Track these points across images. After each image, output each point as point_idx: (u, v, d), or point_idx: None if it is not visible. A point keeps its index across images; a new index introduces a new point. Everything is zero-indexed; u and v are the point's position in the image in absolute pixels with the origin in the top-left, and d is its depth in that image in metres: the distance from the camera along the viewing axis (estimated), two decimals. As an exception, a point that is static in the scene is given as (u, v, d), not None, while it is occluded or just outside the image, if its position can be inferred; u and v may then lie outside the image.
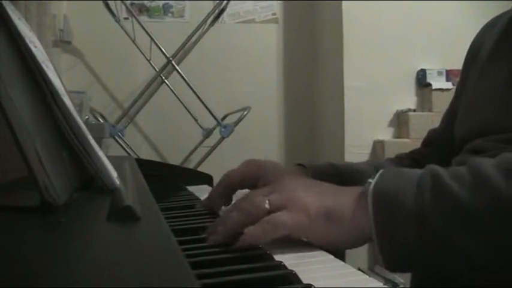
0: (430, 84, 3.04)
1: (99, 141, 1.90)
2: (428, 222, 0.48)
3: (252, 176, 0.79)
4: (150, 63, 3.02)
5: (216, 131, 2.95)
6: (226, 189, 0.79)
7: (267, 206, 0.54)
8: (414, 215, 0.48)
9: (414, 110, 3.06)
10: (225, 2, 3.05)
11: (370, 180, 0.53)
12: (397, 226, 0.49)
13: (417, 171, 0.53)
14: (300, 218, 0.52)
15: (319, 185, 0.59)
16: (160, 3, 3.39)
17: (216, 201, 0.78)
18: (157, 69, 3.01)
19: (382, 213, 0.50)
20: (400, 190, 0.50)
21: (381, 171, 0.54)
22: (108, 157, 0.60)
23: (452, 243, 0.47)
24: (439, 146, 0.93)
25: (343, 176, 0.85)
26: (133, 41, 3.00)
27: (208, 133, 3.10)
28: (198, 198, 0.89)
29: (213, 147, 2.92)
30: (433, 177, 0.50)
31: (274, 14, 3.52)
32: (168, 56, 2.92)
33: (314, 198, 0.54)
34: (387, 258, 0.50)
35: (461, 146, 0.78)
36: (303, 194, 0.55)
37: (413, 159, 0.95)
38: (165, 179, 1.08)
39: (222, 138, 2.88)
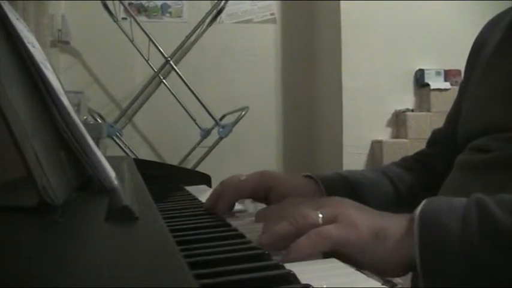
0: (428, 85, 3.04)
1: (97, 141, 1.90)
2: (474, 251, 0.47)
3: (265, 188, 0.77)
4: (148, 63, 3.02)
5: (214, 131, 2.96)
6: (234, 194, 0.76)
7: (320, 221, 0.52)
8: (460, 244, 0.48)
9: (412, 110, 3.06)
10: (223, 2, 3.05)
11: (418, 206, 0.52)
12: (443, 256, 0.48)
13: (462, 200, 0.52)
14: (348, 233, 0.51)
15: (368, 208, 0.58)
16: (159, 3, 3.39)
17: (222, 205, 0.75)
18: (155, 69, 3.01)
19: (428, 243, 0.49)
20: (446, 219, 0.49)
21: (426, 200, 0.53)
22: (106, 157, 0.60)
23: (498, 271, 0.47)
24: (443, 146, 0.92)
25: (355, 186, 0.83)
26: (132, 41, 3.00)
27: (206, 133, 3.10)
28: (196, 199, 0.89)
29: (211, 147, 2.92)
30: (478, 206, 0.50)
31: (272, 14, 3.52)
32: (166, 56, 2.92)
33: (364, 217, 0.53)
34: (431, 286, 0.49)
35: (465, 144, 0.77)
36: (354, 212, 0.54)
37: (419, 160, 0.93)
38: (163, 179, 1.08)
39: (220, 138, 2.88)
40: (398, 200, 0.86)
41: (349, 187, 0.83)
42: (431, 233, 0.49)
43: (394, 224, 0.52)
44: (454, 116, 0.89)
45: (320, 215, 0.53)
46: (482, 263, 0.47)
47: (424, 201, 0.53)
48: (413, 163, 0.93)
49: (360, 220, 0.52)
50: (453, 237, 0.48)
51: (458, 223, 0.48)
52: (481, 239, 0.47)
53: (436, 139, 0.95)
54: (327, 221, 0.52)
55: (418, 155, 0.96)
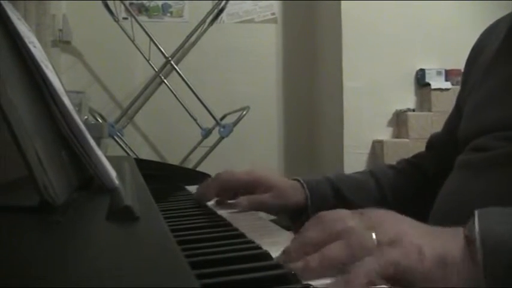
0: (429, 84, 3.04)
1: (98, 141, 1.90)
2: None
3: (252, 184, 0.82)
4: (149, 63, 3.02)
5: (215, 131, 2.96)
6: (221, 187, 0.83)
7: (375, 243, 0.46)
8: None
9: (413, 110, 3.06)
10: (224, 1, 3.05)
11: (472, 222, 0.47)
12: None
13: None
14: (413, 261, 0.44)
15: (422, 225, 0.51)
16: (160, 3, 3.39)
17: (209, 195, 0.83)
18: (156, 69, 3.01)
19: (495, 266, 0.45)
20: (509, 234, 0.45)
21: (477, 213, 0.48)
22: (107, 157, 0.60)
23: None
24: (439, 150, 0.94)
25: (340, 188, 0.87)
26: (133, 41, 3.00)
27: (207, 133, 3.10)
28: (197, 198, 0.89)
29: (212, 147, 2.92)
30: None
31: (273, 13, 3.52)
32: (167, 55, 2.92)
33: (424, 239, 0.47)
34: None
35: (465, 145, 0.78)
36: (413, 233, 0.47)
37: (412, 163, 0.95)
38: (164, 178, 1.08)
39: (221, 138, 2.88)
40: (382, 200, 0.89)
41: (332, 187, 0.87)
42: (498, 259, 0.45)
43: (453, 246, 0.47)
44: (452, 120, 0.91)
45: (374, 237, 0.46)
46: None
47: (477, 217, 0.47)
48: (406, 165, 0.95)
49: (422, 244, 0.46)
50: None
51: None
52: None
53: (433, 143, 0.97)
54: (383, 243, 0.46)
55: (414, 158, 0.98)
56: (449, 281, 0.45)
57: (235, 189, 0.83)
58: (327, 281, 0.42)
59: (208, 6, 3.16)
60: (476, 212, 0.48)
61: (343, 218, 0.49)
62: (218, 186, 0.83)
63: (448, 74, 3.06)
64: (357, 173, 0.94)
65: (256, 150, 3.42)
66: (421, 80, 3.09)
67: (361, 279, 0.42)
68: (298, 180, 0.87)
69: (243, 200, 0.79)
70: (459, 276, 0.46)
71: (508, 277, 0.44)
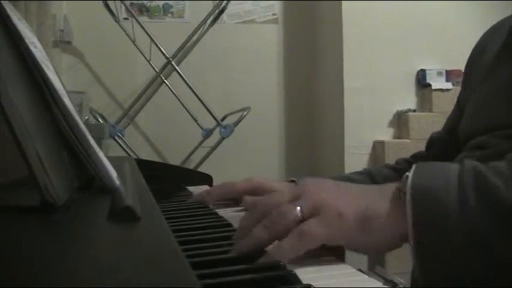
0: (430, 85, 3.04)
1: (99, 141, 1.90)
2: (474, 225, 0.45)
3: (252, 193, 0.82)
4: (150, 63, 3.02)
5: (216, 132, 2.96)
6: (223, 195, 0.84)
7: (298, 215, 0.49)
8: (458, 217, 0.45)
9: (414, 111, 3.06)
10: (225, 2, 3.04)
11: (406, 175, 0.50)
12: (439, 230, 0.46)
13: (454, 167, 0.50)
14: (333, 226, 0.48)
15: (348, 187, 0.55)
16: (160, 3, 3.39)
17: (208, 202, 0.83)
18: (157, 70, 3.01)
19: (422, 215, 0.47)
20: (441, 189, 0.47)
21: (414, 166, 0.51)
22: (108, 157, 0.60)
23: (498, 245, 0.45)
24: (438, 149, 0.94)
25: None
26: (133, 42, 3.00)
27: (208, 133, 3.10)
28: (198, 199, 0.89)
29: (213, 148, 2.92)
30: (475, 175, 0.47)
31: (274, 14, 3.52)
32: (168, 56, 2.92)
33: (346, 202, 0.50)
34: (425, 263, 0.47)
35: (466, 143, 0.79)
36: (333, 198, 0.50)
37: (410, 162, 0.96)
38: (165, 179, 1.08)
39: (222, 138, 2.88)
40: None
41: None
42: (426, 208, 0.47)
43: (378, 203, 0.50)
44: (453, 119, 0.92)
45: (298, 208, 0.49)
46: (482, 235, 0.45)
47: (412, 171, 0.50)
48: (404, 164, 0.96)
49: (343, 207, 0.49)
50: (451, 212, 0.46)
51: (455, 196, 0.46)
52: (481, 213, 0.45)
53: (433, 142, 0.97)
54: (307, 213, 0.49)
55: (413, 157, 0.99)
56: (374, 235, 0.49)
57: (235, 198, 0.84)
58: (327, 281, 0.42)
59: (209, 6, 3.16)
60: (413, 166, 0.51)
61: (274, 196, 0.54)
62: (218, 199, 0.84)
63: (449, 75, 3.06)
64: (354, 173, 0.94)
65: (257, 151, 3.42)
66: (421, 81, 3.08)
67: (280, 258, 0.45)
68: (295, 181, 0.87)
69: (248, 198, 0.79)
70: (386, 229, 0.49)
71: (436, 228, 0.46)
